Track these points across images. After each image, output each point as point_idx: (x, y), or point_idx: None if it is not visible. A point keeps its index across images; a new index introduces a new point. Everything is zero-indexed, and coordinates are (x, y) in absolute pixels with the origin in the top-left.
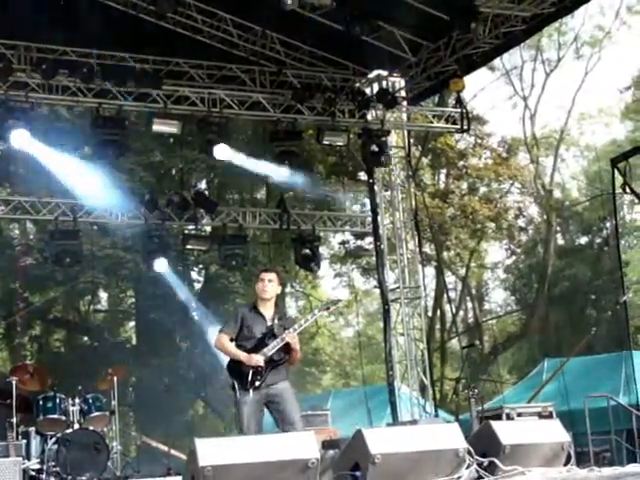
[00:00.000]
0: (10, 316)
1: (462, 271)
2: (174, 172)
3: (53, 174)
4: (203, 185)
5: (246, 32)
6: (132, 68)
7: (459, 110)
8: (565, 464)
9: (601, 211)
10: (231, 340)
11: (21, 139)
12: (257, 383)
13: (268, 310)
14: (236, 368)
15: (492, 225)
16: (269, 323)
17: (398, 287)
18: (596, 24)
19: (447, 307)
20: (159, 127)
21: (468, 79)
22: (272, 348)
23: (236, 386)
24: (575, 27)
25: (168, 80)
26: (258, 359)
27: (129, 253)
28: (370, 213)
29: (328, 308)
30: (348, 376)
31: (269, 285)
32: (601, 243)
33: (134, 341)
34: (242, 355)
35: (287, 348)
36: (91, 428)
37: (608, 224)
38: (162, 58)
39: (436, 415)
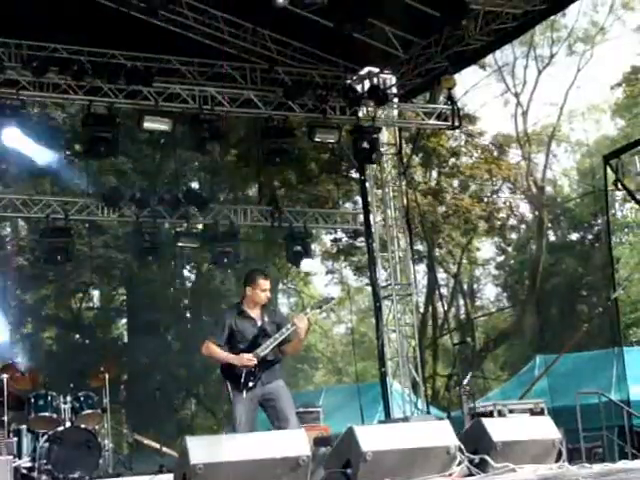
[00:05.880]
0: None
1: (454, 268)
2: (166, 171)
3: (44, 172)
4: (195, 184)
5: (237, 29)
6: (123, 65)
7: (450, 107)
8: (556, 461)
9: (593, 207)
10: (219, 347)
11: (12, 137)
12: (250, 384)
13: (255, 311)
14: (229, 371)
15: (484, 224)
16: (259, 323)
17: (390, 284)
18: (590, 20)
19: (439, 304)
20: (150, 124)
21: (459, 76)
22: (265, 348)
23: (229, 388)
24: (568, 23)
25: (159, 77)
26: (249, 357)
27: (120, 251)
28: (362, 210)
29: (320, 307)
30: (340, 373)
31: (268, 293)
32: (592, 239)
33: (125, 339)
34: (231, 357)
35: (280, 347)
36: (83, 426)
37: (600, 220)
38: (153, 55)
39: (428, 412)
